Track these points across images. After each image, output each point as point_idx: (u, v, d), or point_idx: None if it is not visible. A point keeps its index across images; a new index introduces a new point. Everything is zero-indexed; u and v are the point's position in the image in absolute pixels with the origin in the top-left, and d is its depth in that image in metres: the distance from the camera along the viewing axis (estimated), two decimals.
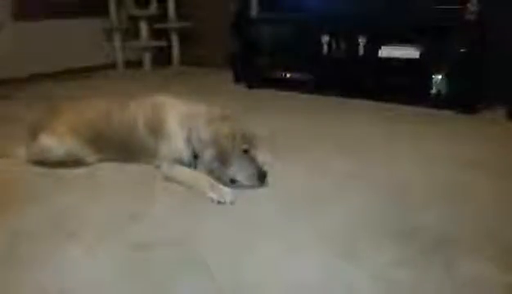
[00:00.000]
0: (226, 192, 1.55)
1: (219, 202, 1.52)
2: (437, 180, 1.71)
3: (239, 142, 1.63)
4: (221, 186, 1.58)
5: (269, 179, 1.67)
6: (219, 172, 1.65)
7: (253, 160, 1.66)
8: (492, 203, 1.52)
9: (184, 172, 1.70)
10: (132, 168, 1.86)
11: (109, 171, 1.87)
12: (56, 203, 1.56)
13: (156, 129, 1.80)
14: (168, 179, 1.71)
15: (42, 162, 1.87)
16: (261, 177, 1.64)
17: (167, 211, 1.49)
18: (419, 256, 1.19)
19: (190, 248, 1.25)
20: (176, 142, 1.75)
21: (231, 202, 1.52)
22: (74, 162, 1.88)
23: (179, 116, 1.77)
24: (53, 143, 1.86)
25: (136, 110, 1.86)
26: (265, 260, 1.19)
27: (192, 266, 1.17)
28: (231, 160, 1.63)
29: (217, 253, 1.23)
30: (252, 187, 1.64)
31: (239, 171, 1.64)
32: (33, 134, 1.90)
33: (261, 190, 1.63)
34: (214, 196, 1.54)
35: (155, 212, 1.48)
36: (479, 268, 1.14)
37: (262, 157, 1.87)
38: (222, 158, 1.63)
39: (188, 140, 1.73)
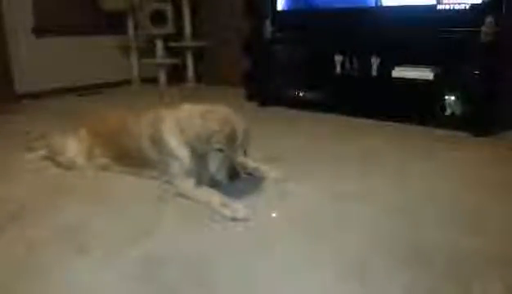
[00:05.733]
0: (239, 208, 1.54)
1: (233, 219, 1.51)
2: (448, 201, 1.68)
3: (214, 140, 1.62)
4: (233, 203, 1.57)
5: (280, 198, 1.65)
6: (201, 172, 1.70)
7: (226, 158, 1.65)
8: (505, 226, 1.48)
9: (196, 189, 1.70)
10: (146, 182, 1.87)
11: (123, 184, 1.88)
12: (69, 215, 1.57)
13: (157, 142, 1.80)
14: (180, 195, 1.71)
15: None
16: (231, 175, 1.65)
17: (178, 227, 1.49)
18: (433, 280, 1.16)
19: (200, 266, 1.24)
20: (178, 153, 1.74)
21: (245, 219, 1.50)
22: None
23: (174, 126, 1.75)
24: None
25: (141, 124, 1.89)
26: (273, 282, 1.17)
27: (201, 285, 1.16)
28: (207, 159, 1.66)
29: (227, 271, 1.22)
30: (225, 182, 1.67)
31: (213, 168, 1.67)
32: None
33: (273, 209, 1.62)
34: (227, 213, 1.53)
35: (167, 228, 1.48)
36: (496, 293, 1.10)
37: (274, 174, 1.89)
38: (197, 158, 1.67)
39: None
